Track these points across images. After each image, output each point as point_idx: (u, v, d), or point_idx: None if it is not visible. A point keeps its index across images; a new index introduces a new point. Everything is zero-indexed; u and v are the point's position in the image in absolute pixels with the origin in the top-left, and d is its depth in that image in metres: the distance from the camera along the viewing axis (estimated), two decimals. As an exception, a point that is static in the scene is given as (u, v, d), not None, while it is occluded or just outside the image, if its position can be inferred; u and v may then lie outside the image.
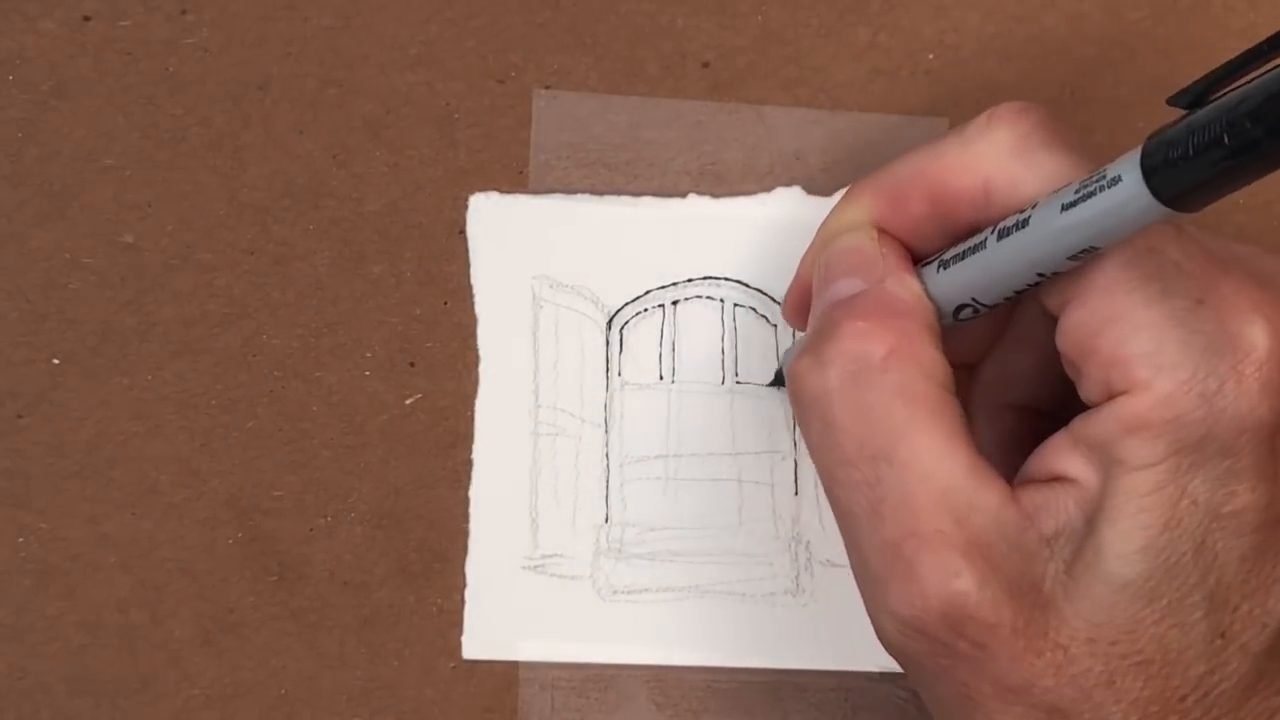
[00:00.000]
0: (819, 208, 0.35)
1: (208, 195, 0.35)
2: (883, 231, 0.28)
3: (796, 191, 0.35)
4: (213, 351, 0.35)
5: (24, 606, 0.35)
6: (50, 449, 0.35)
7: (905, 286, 0.27)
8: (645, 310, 0.35)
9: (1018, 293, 0.26)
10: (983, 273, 0.26)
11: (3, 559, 0.35)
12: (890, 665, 0.35)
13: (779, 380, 0.35)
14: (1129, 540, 0.24)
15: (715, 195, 0.36)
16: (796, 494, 0.35)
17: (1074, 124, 0.36)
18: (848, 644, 0.35)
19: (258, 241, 0.35)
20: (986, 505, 0.25)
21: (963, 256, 0.27)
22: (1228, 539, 0.24)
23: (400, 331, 0.35)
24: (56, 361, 0.35)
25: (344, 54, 0.35)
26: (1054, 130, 0.26)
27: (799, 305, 0.31)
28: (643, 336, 0.35)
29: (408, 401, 0.35)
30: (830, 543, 0.35)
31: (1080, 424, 0.25)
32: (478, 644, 0.35)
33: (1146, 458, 0.24)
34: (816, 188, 0.35)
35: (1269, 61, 0.21)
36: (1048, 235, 0.24)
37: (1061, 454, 0.25)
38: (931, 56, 0.36)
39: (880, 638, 0.26)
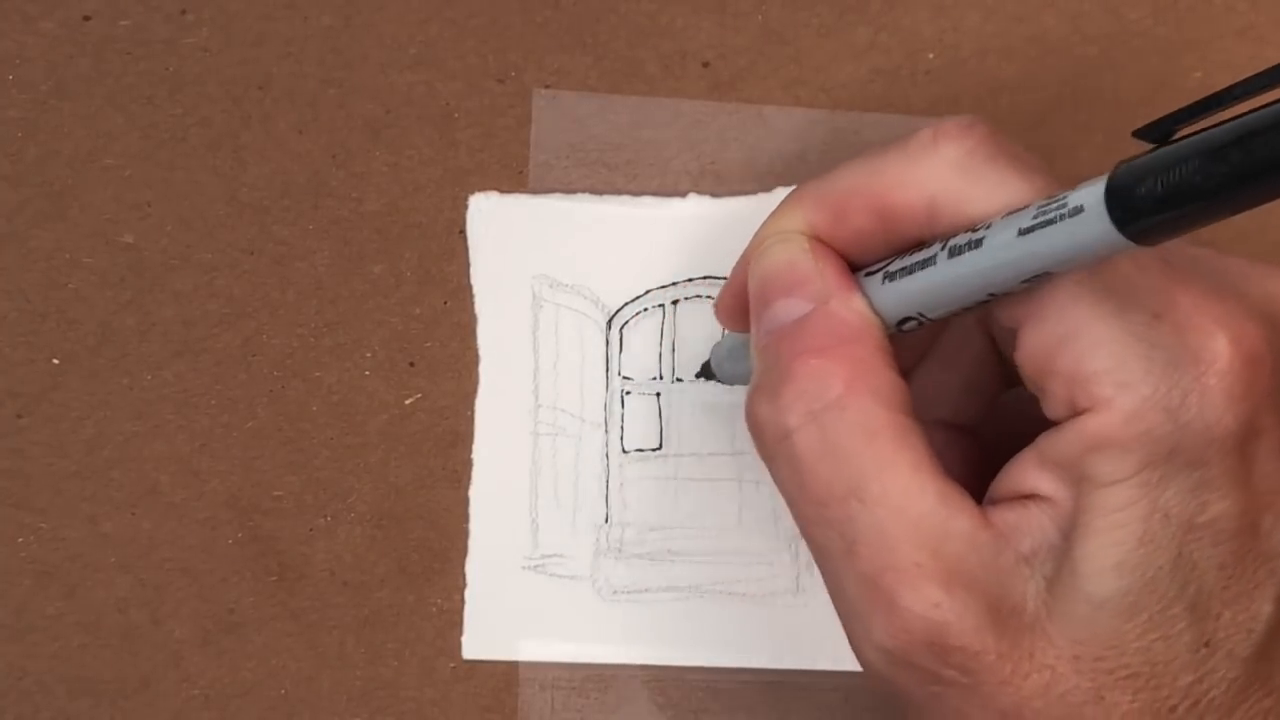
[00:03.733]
0: (819, 208, 0.35)
1: (208, 195, 0.35)
2: (818, 242, 0.28)
3: (796, 191, 0.35)
4: (213, 351, 0.35)
5: (24, 606, 0.35)
6: (50, 449, 0.35)
7: (849, 307, 0.27)
8: (645, 310, 0.35)
9: (966, 309, 0.26)
10: (932, 288, 0.26)
11: (3, 559, 0.35)
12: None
13: (706, 372, 0.34)
14: (1104, 556, 0.24)
15: (715, 195, 0.36)
16: (796, 494, 0.35)
17: (1074, 124, 0.36)
18: (848, 644, 0.35)
19: (258, 241, 0.35)
20: (960, 532, 0.25)
21: (910, 271, 0.26)
22: (1205, 548, 0.24)
23: (400, 331, 0.35)
24: (56, 361, 0.35)
25: (344, 54, 0.35)
26: (999, 146, 0.26)
27: (733, 309, 0.30)
28: (643, 336, 0.35)
29: (408, 401, 0.35)
30: (830, 543, 0.35)
31: (1047, 442, 0.25)
32: (478, 644, 0.35)
33: (1115, 474, 0.24)
34: (816, 188, 0.35)
35: (1238, 104, 0.21)
36: (1002, 258, 0.24)
37: (1030, 472, 0.25)
38: (931, 56, 0.36)
39: (867, 671, 0.26)
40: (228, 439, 0.35)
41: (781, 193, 0.35)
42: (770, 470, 0.27)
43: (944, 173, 0.26)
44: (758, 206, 0.35)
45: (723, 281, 0.35)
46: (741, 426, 0.35)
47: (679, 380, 0.35)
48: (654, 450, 0.35)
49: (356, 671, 0.35)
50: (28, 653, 0.35)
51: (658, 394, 0.35)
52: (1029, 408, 0.26)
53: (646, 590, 0.35)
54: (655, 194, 0.36)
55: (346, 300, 0.35)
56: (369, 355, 0.35)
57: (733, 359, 0.33)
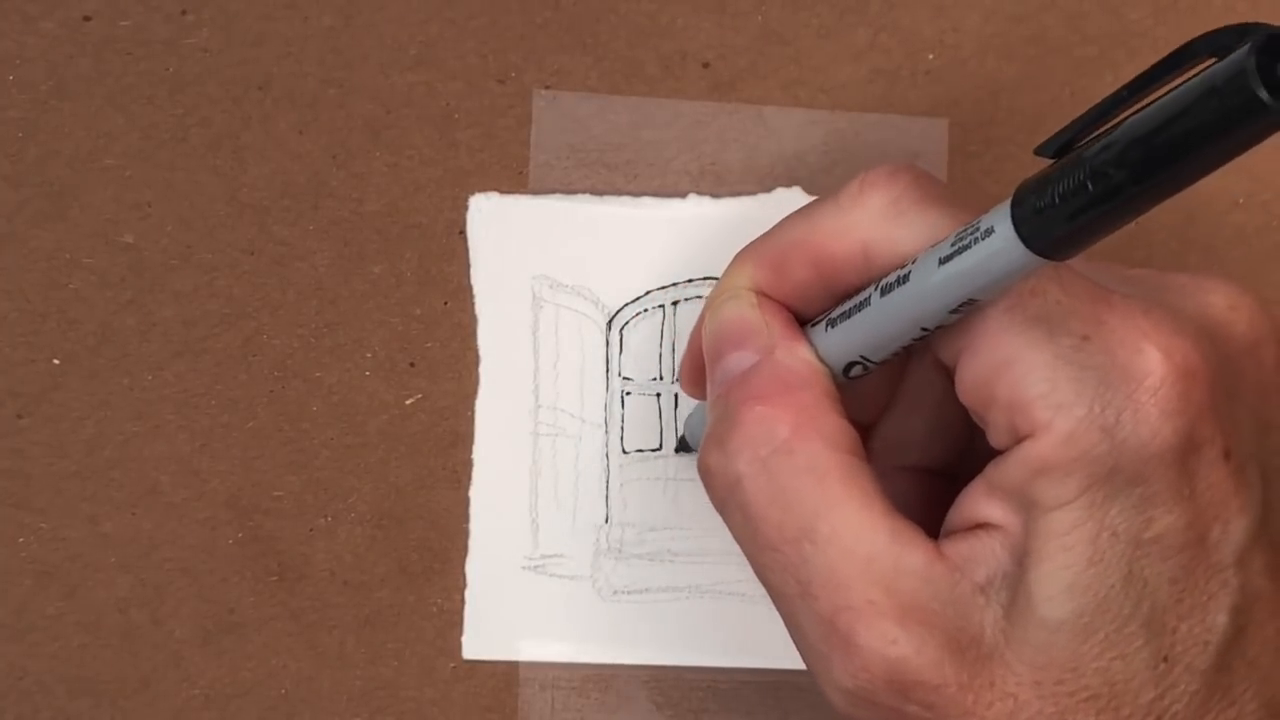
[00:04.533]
0: (819, 208, 0.35)
1: (208, 195, 0.35)
2: (765, 297, 0.28)
3: (796, 191, 0.35)
4: (213, 351, 0.35)
5: (24, 606, 0.35)
6: (50, 449, 0.35)
7: (795, 356, 0.27)
8: (645, 310, 0.35)
9: (905, 348, 0.26)
10: (868, 330, 0.26)
11: (3, 559, 0.35)
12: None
13: (682, 446, 0.35)
14: (1055, 580, 0.24)
15: (715, 195, 0.36)
16: (796, 494, 0.35)
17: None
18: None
19: (258, 241, 0.35)
20: (913, 567, 0.25)
21: (848, 315, 0.27)
22: (1154, 564, 0.24)
23: (400, 331, 0.35)
24: (56, 361, 0.35)
25: (344, 54, 0.35)
26: (925, 189, 0.26)
27: (694, 375, 0.31)
28: (643, 336, 0.35)
29: (408, 401, 0.35)
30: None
31: (993, 470, 0.25)
32: (478, 644, 0.35)
33: (1059, 497, 0.24)
34: (816, 188, 0.35)
35: (1130, 106, 0.21)
36: (927, 289, 0.24)
37: (979, 502, 0.25)
38: (931, 56, 0.36)
39: (834, 709, 0.26)
40: (228, 439, 0.35)
41: (781, 193, 0.35)
42: (724, 518, 0.28)
43: (874, 219, 0.27)
44: (757, 207, 0.35)
45: (723, 282, 0.35)
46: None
47: (679, 380, 0.35)
48: (654, 450, 0.35)
49: (356, 671, 0.35)
50: (28, 653, 0.35)
51: (658, 394, 0.35)
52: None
53: (646, 590, 0.35)
54: (655, 194, 0.36)
55: (346, 300, 0.35)
56: (369, 355, 0.35)
57: (704, 426, 0.33)
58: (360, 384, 0.35)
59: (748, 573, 0.34)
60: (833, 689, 0.26)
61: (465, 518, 0.35)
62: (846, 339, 0.27)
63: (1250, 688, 0.25)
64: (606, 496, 0.35)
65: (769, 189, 0.36)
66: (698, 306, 0.35)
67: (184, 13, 0.35)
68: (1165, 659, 0.25)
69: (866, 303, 0.26)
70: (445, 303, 0.35)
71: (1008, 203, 0.22)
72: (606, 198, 0.35)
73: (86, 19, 0.35)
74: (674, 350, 0.35)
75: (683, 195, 0.36)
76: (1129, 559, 0.24)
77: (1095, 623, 0.24)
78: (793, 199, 0.35)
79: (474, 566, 0.35)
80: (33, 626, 0.35)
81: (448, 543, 0.35)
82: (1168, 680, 0.25)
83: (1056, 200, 0.21)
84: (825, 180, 0.35)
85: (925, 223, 0.26)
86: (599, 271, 0.35)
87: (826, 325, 0.27)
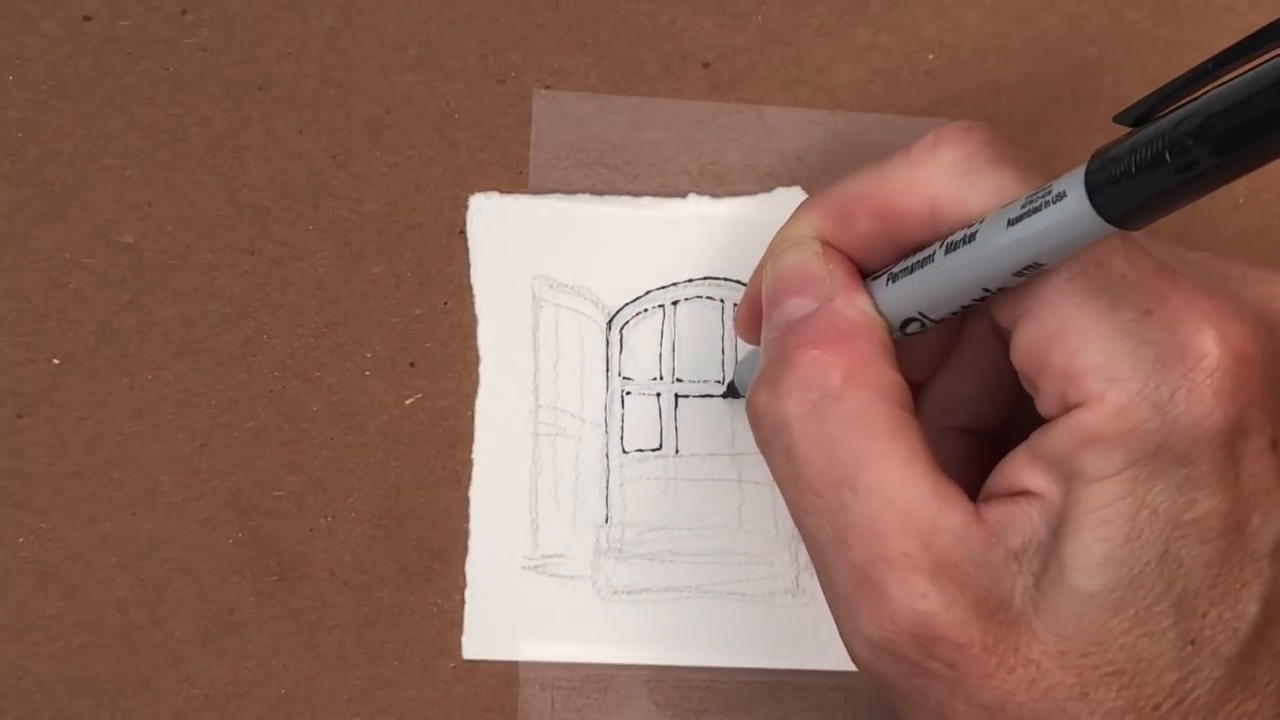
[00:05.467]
0: (819, 208, 0.35)
1: (208, 195, 0.35)
2: (830, 247, 0.28)
3: (796, 191, 0.35)
4: (213, 351, 0.35)
5: (24, 606, 0.35)
6: (50, 449, 0.35)
7: (854, 305, 0.27)
8: (645, 310, 0.35)
9: (965, 307, 0.26)
10: (930, 287, 0.26)
11: (3, 559, 0.35)
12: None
13: (731, 392, 0.35)
14: (1091, 552, 0.24)
15: (715, 195, 0.36)
16: (796, 494, 0.35)
17: (1074, 124, 0.36)
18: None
19: (258, 241, 0.35)
20: (950, 525, 0.25)
21: (911, 270, 0.27)
22: (1191, 546, 0.24)
23: (400, 331, 0.35)
24: (56, 361, 0.35)
25: (344, 54, 0.35)
26: (998, 149, 0.26)
27: (750, 320, 0.31)
28: (643, 336, 0.35)
29: (408, 401, 0.35)
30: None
31: (1038, 438, 0.25)
32: (478, 644, 0.35)
33: (1104, 469, 0.24)
34: (816, 188, 0.35)
35: (1213, 80, 0.21)
36: (994, 250, 0.24)
37: (1022, 468, 0.26)
38: (931, 56, 0.36)
39: (854, 661, 0.27)
40: (228, 439, 0.35)
41: (781, 193, 0.35)
42: (766, 459, 0.28)
43: (945, 176, 0.26)
44: (758, 207, 0.35)
45: (723, 282, 0.35)
46: (742, 426, 0.35)
47: (679, 380, 0.35)
48: (654, 450, 0.35)
49: (356, 671, 0.35)
50: (28, 653, 0.35)
51: (658, 394, 0.35)
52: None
53: (646, 590, 0.35)
54: (655, 194, 0.36)
55: (346, 300, 0.35)
56: (369, 355, 0.35)
57: (755, 370, 0.33)
58: (360, 384, 0.35)
59: (748, 573, 0.34)
60: (857, 639, 0.26)
61: (465, 518, 0.35)
62: (907, 294, 0.27)
63: (1274, 680, 0.25)
64: (606, 496, 0.35)
65: (769, 189, 0.36)
66: (698, 306, 0.35)
67: (184, 13, 0.35)
68: (1193, 642, 0.25)
69: (930, 259, 0.26)
70: (445, 303, 0.35)
71: (1081, 169, 0.22)
72: (606, 198, 0.35)
73: (86, 19, 0.35)
74: (674, 350, 0.35)
75: (683, 195, 0.36)
76: (1166, 538, 0.24)
77: (1126, 598, 0.24)
78: (793, 199, 0.35)
79: (474, 566, 0.35)
80: (33, 626, 0.35)
81: (448, 543, 0.35)
82: (1193, 664, 0.25)
83: (1134, 169, 0.21)
84: (825, 180, 0.35)
85: (996, 182, 0.26)
86: (599, 271, 0.35)
87: (888, 279, 0.27)
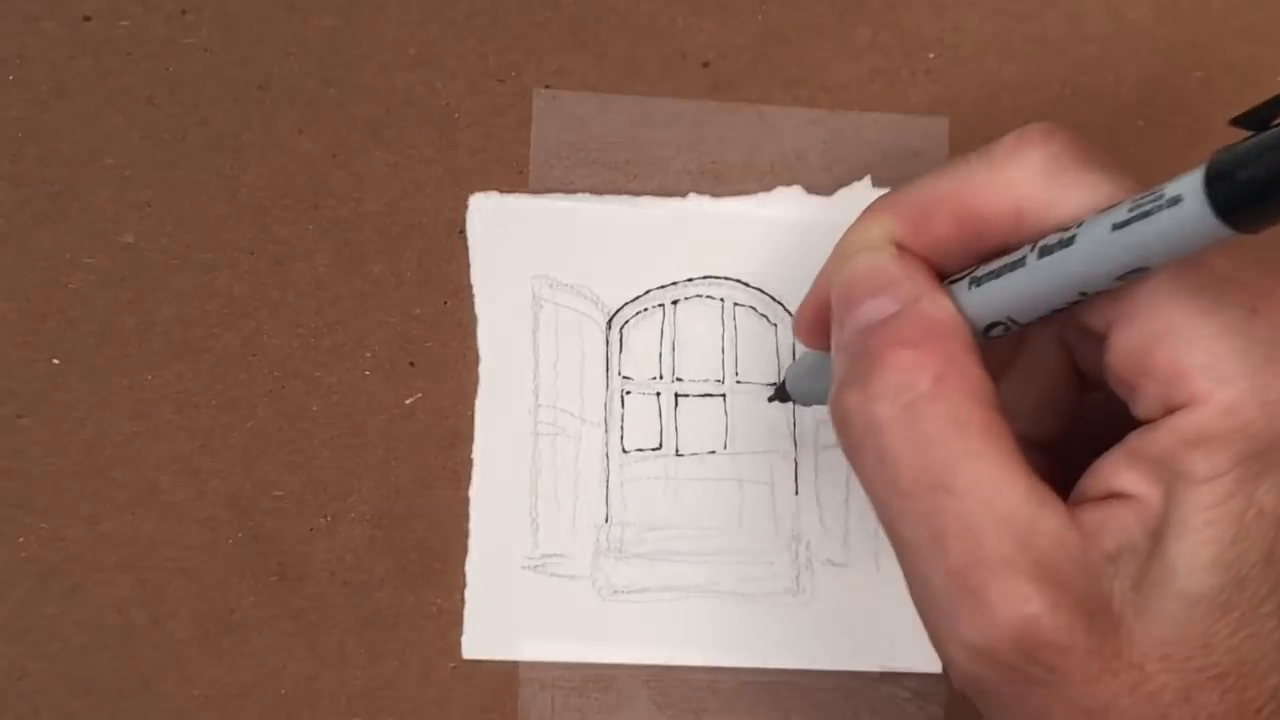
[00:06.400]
0: (819, 207, 0.35)
1: (208, 195, 0.35)
2: (903, 249, 0.28)
3: (796, 191, 0.35)
4: (213, 351, 0.35)
5: (24, 606, 0.35)
6: (50, 449, 0.35)
7: (940, 306, 0.27)
8: (645, 310, 0.35)
9: (1055, 311, 0.26)
10: (1021, 290, 0.26)
11: (3, 559, 0.35)
12: (890, 665, 0.35)
13: (781, 395, 0.34)
14: (1199, 554, 0.24)
15: (715, 195, 0.36)
16: (797, 493, 0.35)
17: (1074, 124, 0.36)
18: (848, 644, 0.35)
19: (258, 241, 0.35)
20: (1048, 528, 0.25)
21: (999, 274, 0.26)
22: None
23: (400, 331, 0.35)
24: (56, 361, 0.35)
25: (344, 54, 0.35)
26: (1084, 149, 0.26)
27: (814, 323, 0.30)
28: (643, 336, 0.35)
29: (408, 401, 0.35)
30: (830, 542, 0.35)
31: (1138, 440, 0.25)
32: (478, 644, 0.35)
33: (1211, 470, 0.24)
34: (816, 187, 0.35)
35: None
36: (1096, 255, 0.24)
37: (1119, 471, 0.25)
38: (931, 56, 0.36)
39: (950, 669, 0.26)
40: (228, 439, 0.35)
41: (781, 192, 0.35)
42: (854, 463, 0.27)
43: (1030, 177, 0.26)
44: (757, 206, 0.35)
45: (723, 281, 0.35)
46: (742, 426, 0.35)
47: (679, 380, 0.35)
48: (654, 450, 0.35)
49: (356, 671, 0.35)
50: (28, 653, 0.35)
51: (658, 394, 0.35)
52: (1105, 419, 0.26)
53: (646, 590, 0.35)
54: (655, 194, 0.36)
55: (346, 300, 0.35)
56: (369, 355, 0.35)
57: (812, 377, 0.32)
58: (360, 384, 0.35)
59: (748, 573, 0.34)
60: (956, 645, 0.25)
61: (465, 518, 0.35)
62: (994, 298, 0.26)
63: None
64: (606, 496, 0.35)
65: (769, 188, 0.35)
66: (698, 306, 0.35)
67: (184, 13, 0.35)
68: None
69: (1021, 263, 0.26)
70: (445, 302, 0.35)
71: (1197, 172, 0.22)
72: (606, 197, 0.35)
73: (86, 19, 0.35)
74: (674, 349, 0.35)
75: (683, 195, 0.36)
76: (1273, 539, 0.24)
77: (1232, 600, 0.24)
78: (793, 198, 0.35)
79: (474, 566, 0.35)
80: (33, 626, 0.35)
81: (448, 543, 0.35)
82: None
83: (1263, 172, 0.21)
84: (825, 180, 0.35)
85: (1086, 185, 0.25)
86: (599, 271, 0.35)
87: (970, 283, 0.27)
